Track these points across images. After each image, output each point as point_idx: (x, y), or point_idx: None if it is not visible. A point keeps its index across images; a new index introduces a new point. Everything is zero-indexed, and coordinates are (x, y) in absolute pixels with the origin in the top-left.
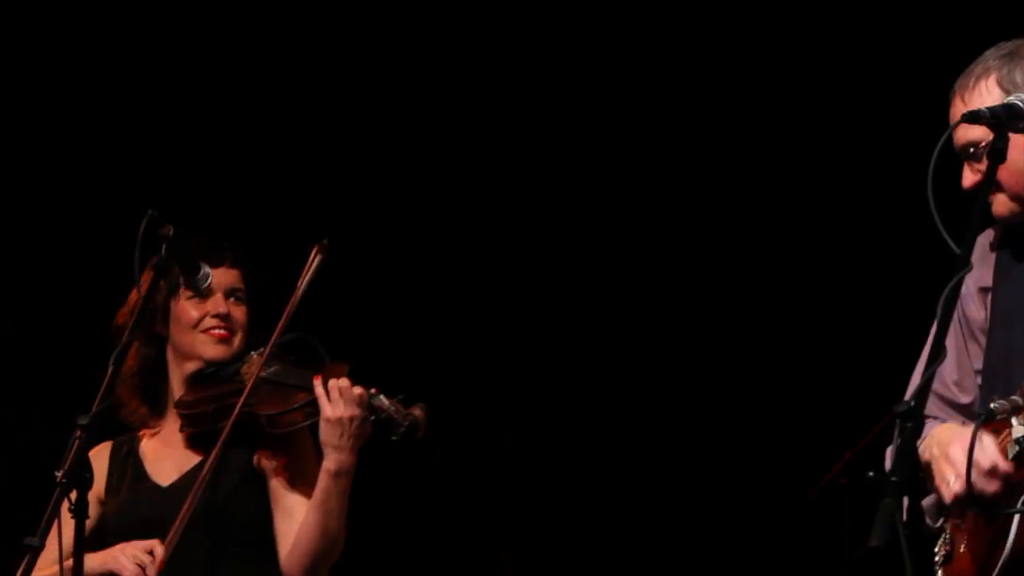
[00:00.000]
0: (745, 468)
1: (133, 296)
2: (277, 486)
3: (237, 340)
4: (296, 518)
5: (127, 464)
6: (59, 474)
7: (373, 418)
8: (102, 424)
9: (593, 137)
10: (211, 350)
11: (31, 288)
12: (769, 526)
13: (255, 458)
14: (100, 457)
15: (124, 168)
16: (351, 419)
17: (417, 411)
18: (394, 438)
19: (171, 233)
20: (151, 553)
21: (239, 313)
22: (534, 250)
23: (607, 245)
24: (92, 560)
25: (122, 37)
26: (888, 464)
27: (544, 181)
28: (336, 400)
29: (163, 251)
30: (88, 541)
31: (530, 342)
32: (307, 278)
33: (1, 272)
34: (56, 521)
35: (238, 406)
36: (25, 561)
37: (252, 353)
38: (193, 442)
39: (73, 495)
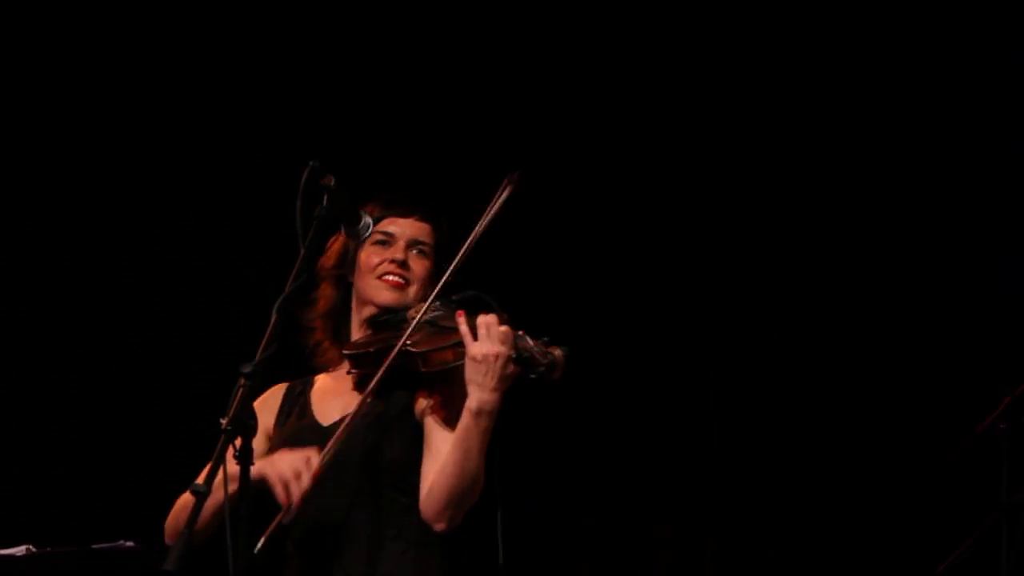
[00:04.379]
0: (905, 414)
1: (338, 243)
2: (429, 426)
3: (412, 291)
4: (441, 459)
5: (296, 404)
6: (224, 421)
7: (516, 356)
8: (266, 372)
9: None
10: (383, 295)
11: (200, 242)
12: (928, 472)
13: (415, 401)
14: (275, 396)
15: (287, 116)
16: (496, 356)
17: (557, 352)
18: (532, 376)
19: (332, 183)
20: (308, 462)
21: (419, 266)
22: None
23: (760, 221)
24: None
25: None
26: None
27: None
28: (482, 337)
29: (324, 201)
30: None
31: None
32: (494, 210)
33: (175, 227)
34: (221, 467)
35: (398, 345)
36: (193, 506)
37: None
38: (359, 384)
39: (238, 442)
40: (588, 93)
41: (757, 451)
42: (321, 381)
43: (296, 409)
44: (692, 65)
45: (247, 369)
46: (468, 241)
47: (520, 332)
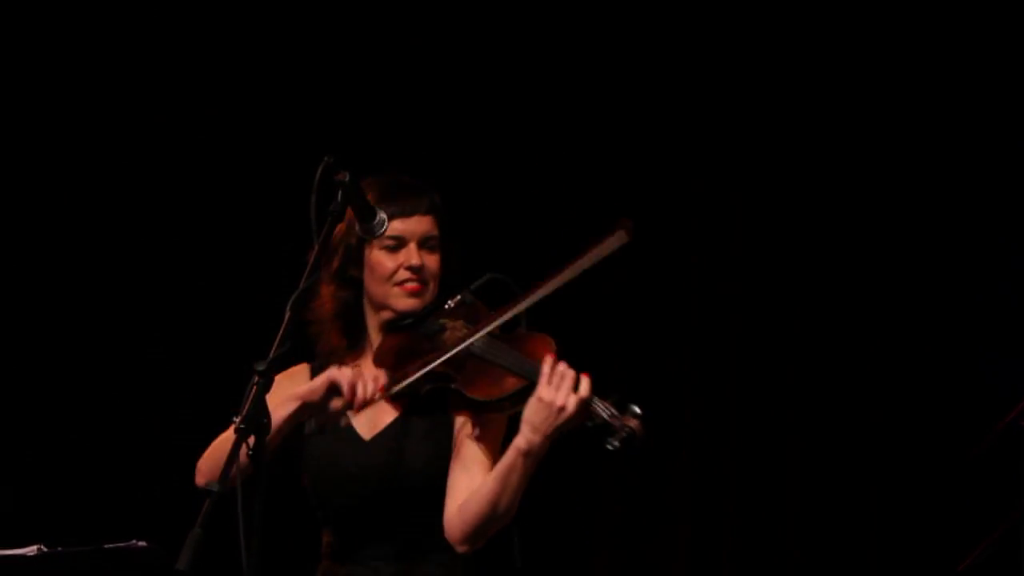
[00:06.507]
0: (926, 412)
1: (340, 243)
2: (460, 436)
3: (429, 291)
4: (472, 473)
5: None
6: (237, 420)
7: (590, 424)
8: (280, 370)
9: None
10: (403, 303)
11: (213, 239)
12: (948, 471)
13: (449, 417)
14: (300, 378)
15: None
16: (560, 409)
17: (633, 422)
18: (608, 448)
19: (347, 179)
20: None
21: (432, 262)
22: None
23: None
24: (314, 381)
25: None
26: None
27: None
28: (556, 385)
29: (338, 197)
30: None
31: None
32: (599, 255)
33: (188, 223)
34: (235, 466)
35: (429, 369)
36: (206, 506)
37: (449, 303)
38: (392, 396)
39: (251, 440)
40: (603, 90)
41: (774, 448)
42: None
43: None
44: (709, 65)
45: (261, 367)
46: (556, 280)
47: (592, 396)
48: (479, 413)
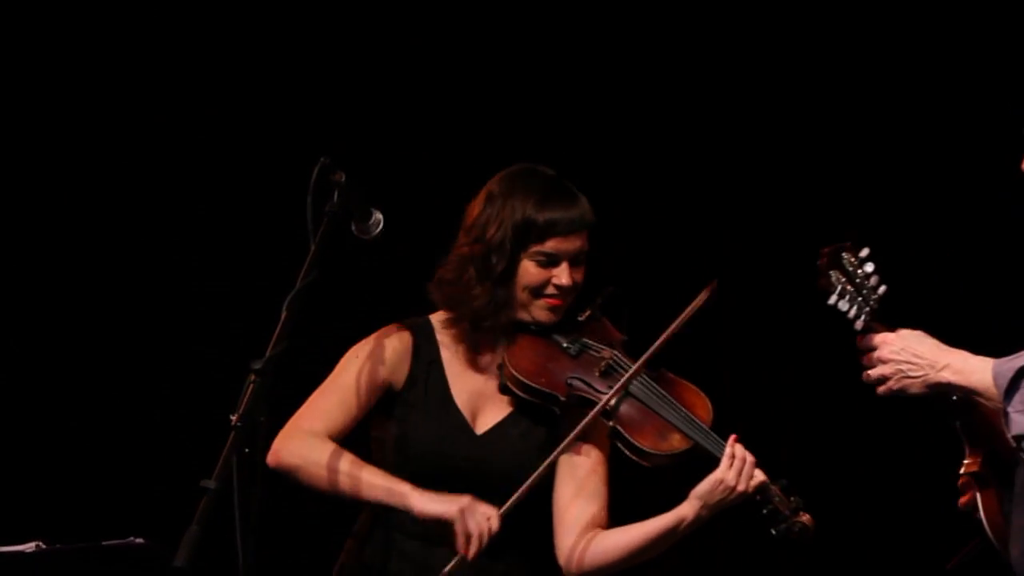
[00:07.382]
0: (917, 409)
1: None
2: (577, 461)
3: (567, 305)
4: (599, 501)
5: (430, 375)
6: (234, 418)
7: (764, 511)
8: (276, 369)
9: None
10: (542, 315)
11: (210, 237)
12: (938, 470)
13: (561, 432)
14: (402, 349)
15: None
16: (740, 493)
17: (805, 517)
18: (773, 532)
19: (343, 179)
20: (489, 521)
21: (578, 276)
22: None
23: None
24: (431, 501)
25: None
26: None
27: None
28: (738, 470)
29: (335, 197)
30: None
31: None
32: (690, 313)
33: (184, 222)
34: (232, 465)
35: (590, 413)
36: (203, 503)
37: (579, 317)
38: (511, 393)
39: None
40: (604, 90)
41: (772, 450)
42: (450, 355)
43: (433, 386)
44: (712, 76)
45: (257, 365)
46: (660, 340)
47: (768, 482)
48: (639, 458)
